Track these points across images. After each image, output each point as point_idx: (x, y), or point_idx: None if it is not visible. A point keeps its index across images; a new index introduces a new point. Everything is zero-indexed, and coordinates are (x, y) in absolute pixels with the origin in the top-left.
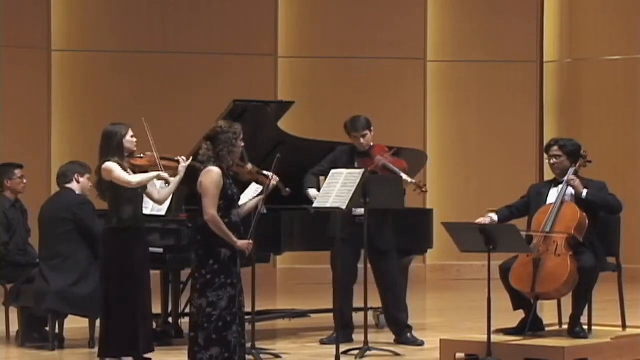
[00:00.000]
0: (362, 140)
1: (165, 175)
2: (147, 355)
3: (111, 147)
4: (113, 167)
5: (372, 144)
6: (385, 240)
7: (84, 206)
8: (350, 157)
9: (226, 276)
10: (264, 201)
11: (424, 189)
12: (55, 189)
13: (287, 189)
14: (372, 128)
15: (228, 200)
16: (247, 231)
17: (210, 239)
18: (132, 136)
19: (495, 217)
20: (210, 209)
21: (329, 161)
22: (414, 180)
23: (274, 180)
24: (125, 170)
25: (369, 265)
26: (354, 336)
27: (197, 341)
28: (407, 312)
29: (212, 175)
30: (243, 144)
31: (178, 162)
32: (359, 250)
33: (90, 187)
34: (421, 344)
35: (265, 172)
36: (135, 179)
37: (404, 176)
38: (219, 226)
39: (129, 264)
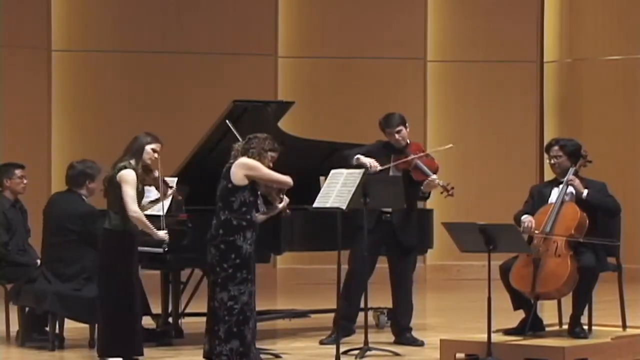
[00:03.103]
0: (397, 136)
1: (161, 236)
2: (137, 358)
3: (133, 148)
4: (131, 181)
5: (408, 141)
6: (409, 237)
7: (91, 218)
8: (384, 153)
9: (247, 271)
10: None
11: (450, 192)
12: (54, 188)
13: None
14: (407, 124)
15: (255, 197)
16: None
17: (233, 234)
18: (153, 150)
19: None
20: (281, 177)
21: (362, 151)
22: (442, 183)
23: (173, 190)
24: (137, 179)
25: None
26: (354, 327)
27: (218, 334)
28: (412, 314)
29: (250, 160)
30: (271, 164)
31: (170, 187)
32: (380, 246)
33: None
34: (421, 344)
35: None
36: (136, 213)
37: (434, 177)
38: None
39: (130, 265)
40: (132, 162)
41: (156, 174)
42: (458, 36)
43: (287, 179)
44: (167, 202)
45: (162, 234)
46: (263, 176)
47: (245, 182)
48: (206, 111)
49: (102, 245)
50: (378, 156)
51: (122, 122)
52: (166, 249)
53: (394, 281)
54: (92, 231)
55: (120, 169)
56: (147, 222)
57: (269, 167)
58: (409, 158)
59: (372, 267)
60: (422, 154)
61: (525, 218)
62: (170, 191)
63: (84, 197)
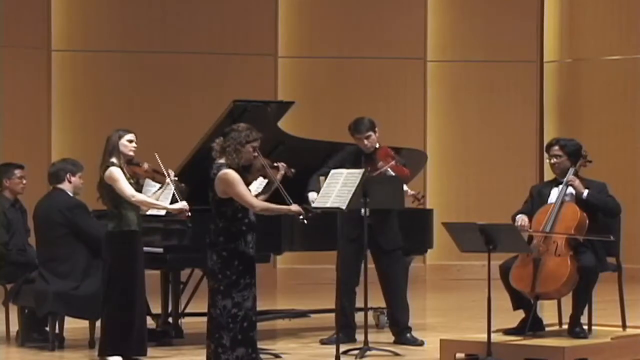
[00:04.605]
0: (365, 142)
1: (180, 207)
2: (138, 358)
3: (108, 149)
4: (118, 177)
5: (377, 145)
6: (389, 240)
7: (76, 210)
8: (356, 158)
9: (250, 276)
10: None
11: (421, 201)
12: None
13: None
14: (376, 129)
15: None
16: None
17: (234, 240)
18: (129, 141)
19: (525, 217)
20: (253, 201)
21: (335, 162)
22: (412, 192)
23: (170, 179)
24: (126, 176)
25: (370, 265)
26: (356, 336)
27: (221, 342)
28: (408, 313)
29: (229, 174)
30: (255, 154)
31: (166, 175)
32: (362, 251)
33: (82, 185)
34: (421, 344)
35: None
36: (135, 197)
37: (404, 187)
38: (270, 208)
39: (133, 267)
40: (113, 160)
41: (145, 166)
42: (458, 36)
43: (255, 203)
44: (168, 192)
45: (183, 204)
46: (234, 195)
47: (226, 196)
48: (206, 111)
49: (105, 246)
50: (350, 163)
51: (122, 122)
52: (189, 215)
53: (382, 283)
54: (80, 223)
55: (104, 171)
56: (152, 200)
57: (252, 158)
58: (383, 169)
59: (357, 272)
60: (392, 162)
61: (519, 217)
62: (168, 180)
63: (68, 193)
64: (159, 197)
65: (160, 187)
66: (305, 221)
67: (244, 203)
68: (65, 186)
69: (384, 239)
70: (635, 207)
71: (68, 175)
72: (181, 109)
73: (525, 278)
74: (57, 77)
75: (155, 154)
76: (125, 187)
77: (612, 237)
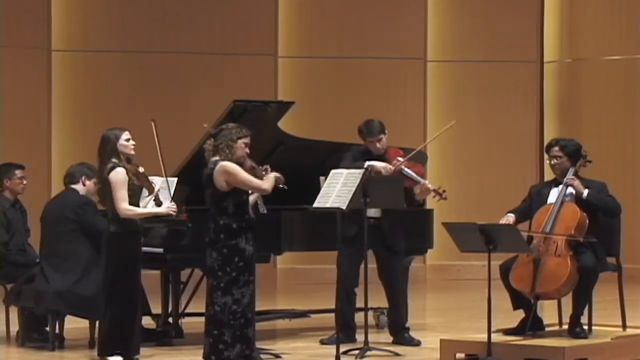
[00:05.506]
0: (378, 144)
1: (167, 211)
2: (135, 357)
3: (107, 150)
4: (123, 182)
5: (386, 147)
6: (399, 242)
7: (87, 206)
8: (363, 159)
9: (249, 273)
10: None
11: (443, 196)
12: (54, 188)
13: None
14: (386, 131)
15: (246, 195)
16: None
17: (235, 237)
18: (127, 140)
19: (512, 217)
20: (259, 183)
21: (349, 159)
22: (433, 187)
23: (155, 186)
24: (128, 175)
25: (371, 266)
26: (357, 336)
27: (223, 339)
28: (407, 313)
29: (229, 165)
30: (247, 150)
31: (154, 186)
32: (364, 251)
33: (94, 191)
34: (417, 343)
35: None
36: (126, 212)
37: (424, 182)
38: (270, 181)
39: (135, 267)
40: (115, 160)
41: (141, 169)
42: (458, 36)
43: (263, 185)
44: (165, 194)
45: (166, 207)
46: (240, 182)
47: (229, 187)
48: (206, 111)
49: (106, 248)
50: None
51: (121, 122)
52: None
53: (386, 284)
54: (90, 220)
55: (110, 171)
56: (144, 210)
57: (244, 155)
58: (397, 167)
59: (357, 273)
60: (403, 159)
61: (505, 217)
62: (156, 189)
63: (78, 192)
64: (147, 204)
65: (149, 195)
66: (286, 187)
67: (251, 187)
68: (79, 187)
69: (394, 241)
70: (635, 207)
71: (83, 178)
72: (181, 109)
73: (525, 278)
74: (57, 77)
75: (152, 121)
76: (123, 198)
77: (594, 239)
